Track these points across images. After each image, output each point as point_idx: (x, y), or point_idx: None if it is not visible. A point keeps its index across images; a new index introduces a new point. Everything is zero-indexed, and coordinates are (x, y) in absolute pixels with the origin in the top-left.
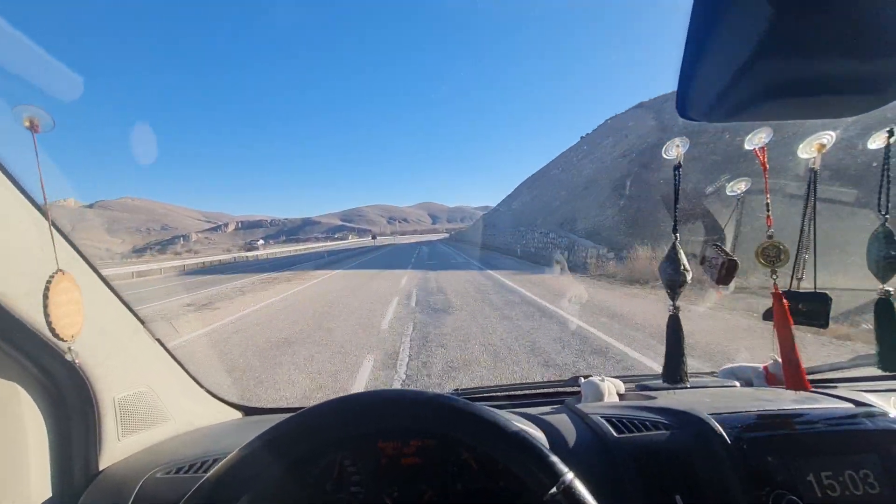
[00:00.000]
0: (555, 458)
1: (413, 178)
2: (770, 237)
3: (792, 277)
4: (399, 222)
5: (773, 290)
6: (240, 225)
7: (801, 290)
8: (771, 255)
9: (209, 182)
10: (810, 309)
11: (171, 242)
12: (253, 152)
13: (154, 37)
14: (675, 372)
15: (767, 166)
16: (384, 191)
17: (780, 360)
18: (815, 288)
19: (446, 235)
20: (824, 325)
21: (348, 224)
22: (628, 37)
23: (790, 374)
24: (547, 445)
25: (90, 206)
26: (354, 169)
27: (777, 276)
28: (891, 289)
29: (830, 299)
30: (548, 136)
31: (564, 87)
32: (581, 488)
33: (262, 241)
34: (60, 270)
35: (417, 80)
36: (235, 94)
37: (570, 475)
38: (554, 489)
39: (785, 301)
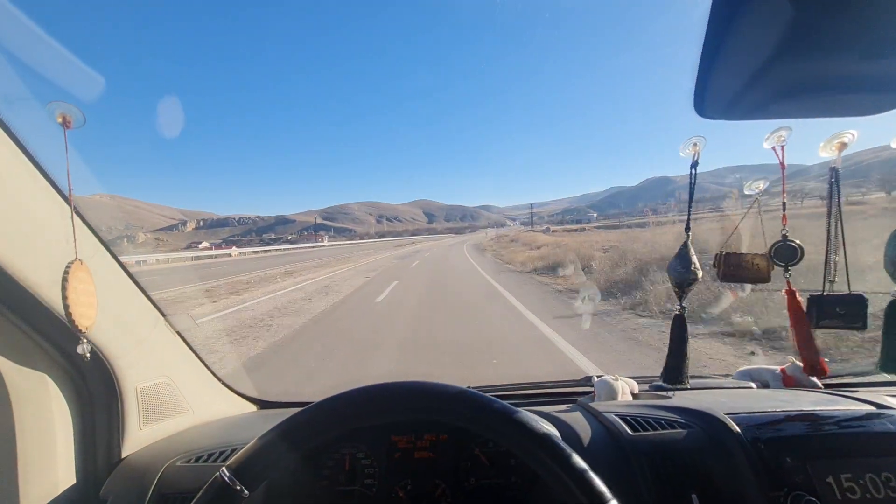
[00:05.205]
0: (598, 480)
1: (408, 174)
2: (785, 236)
3: (824, 280)
4: (389, 221)
5: (787, 289)
6: (200, 223)
7: (835, 293)
8: (786, 255)
9: (191, 180)
10: (847, 311)
11: (114, 243)
12: (235, 148)
13: (137, 30)
14: (674, 373)
15: (785, 165)
16: (375, 187)
17: (797, 362)
18: (849, 289)
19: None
20: (863, 327)
21: (329, 223)
22: (644, 35)
23: (808, 361)
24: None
25: None
26: (342, 163)
27: (790, 275)
28: None
29: (867, 300)
30: (549, 134)
31: (577, 81)
32: None
33: (205, 244)
34: (78, 260)
35: (414, 68)
36: (218, 83)
37: (613, 502)
38: None
39: (798, 297)
